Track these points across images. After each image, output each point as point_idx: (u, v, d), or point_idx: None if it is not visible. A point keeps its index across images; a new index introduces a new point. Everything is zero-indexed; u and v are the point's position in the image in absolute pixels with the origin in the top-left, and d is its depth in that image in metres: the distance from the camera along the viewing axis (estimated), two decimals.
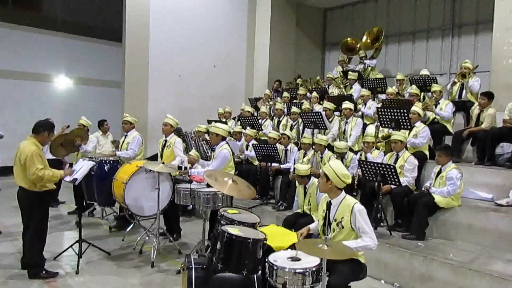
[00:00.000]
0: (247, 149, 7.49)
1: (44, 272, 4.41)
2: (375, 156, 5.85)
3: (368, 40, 10.67)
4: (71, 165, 5.12)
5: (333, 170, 3.27)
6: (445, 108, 6.63)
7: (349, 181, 3.36)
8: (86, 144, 6.69)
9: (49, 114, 8.69)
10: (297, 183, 5.43)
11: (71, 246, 4.90)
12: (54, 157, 6.62)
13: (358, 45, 10.84)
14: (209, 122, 9.08)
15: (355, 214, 3.23)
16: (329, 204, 3.40)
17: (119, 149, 6.53)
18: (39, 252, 4.42)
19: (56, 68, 12.79)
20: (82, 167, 4.75)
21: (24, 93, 12.00)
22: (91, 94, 13.34)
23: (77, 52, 13.05)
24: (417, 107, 6.27)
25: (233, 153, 5.54)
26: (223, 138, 5.14)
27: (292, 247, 3.21)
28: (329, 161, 6.06)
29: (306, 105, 8.14)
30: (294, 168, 6.35)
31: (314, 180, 4.99)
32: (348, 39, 11.26)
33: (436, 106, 6.71)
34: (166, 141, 6.07)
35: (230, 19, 11.58)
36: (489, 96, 6.23)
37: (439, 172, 5.13)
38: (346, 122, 7.10)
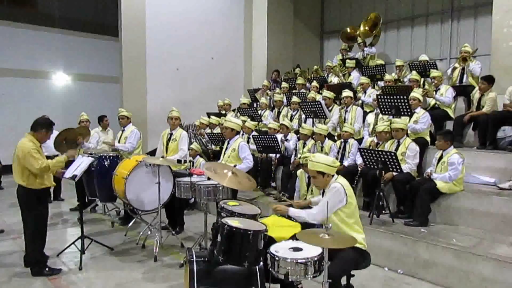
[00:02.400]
0: (248, 143, 7.45)
1: (47, 269, 4.41)
2: (390, 146, 5.63)
3: (366, 28, 10.57)
4: (72, 161, 5.11)
5: (323, 164, 3.26)
6: (446, 93, 6.56)
7: (338, 164, 3.38)
8: (88, 141, 6.68)
9: (48, 111, 8.67)
10: (298, 173, 5.42)
11: (73, 243, 4.90)
12: (52, 154, 6.60)
13: (357, 32, 10.75)
14: (209, 115, 9.06)
15: (329, 189, 3.26)
16: (323, 193, 3.45)
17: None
18: (40, 249, 4.42)
19: (53, 65, 12.75)
20: (81, 163, 4.73)
21: (22, 90, 11.97)
22: (90, 90, 13.30)
23: (75, 48, 12.99)
24: (416, 93, 6.22)
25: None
26: (237, 132, 5.38)
27: (294, 237, 3.19)
28: (330, 150, 6.09)
29: (312, 94, 8.10)
30: (294, 160, 6.39)
31: None
32: (348, 29, 11.16)
33: (436, 92, 6.65)
34: (171, 134, 6.04)
35: (227, 10, 11.48)
36: (489, 80, 6.18)
37: (441, 157, 5.09)
38: (346, 111, 7.06)
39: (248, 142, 7.43)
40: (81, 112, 7.48)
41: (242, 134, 7.72)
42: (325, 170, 3.26)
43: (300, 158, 5.44)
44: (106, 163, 5.69)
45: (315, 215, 3.28)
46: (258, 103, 9.46)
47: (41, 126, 4.35)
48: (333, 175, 3.34)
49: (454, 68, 7.19)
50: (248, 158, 5.36)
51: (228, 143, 5.49)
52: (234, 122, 5.47)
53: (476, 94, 6.38)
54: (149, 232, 5.44)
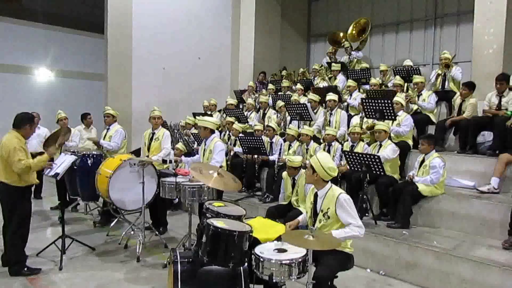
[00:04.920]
0: (235, 144, 7.45)
1: (26, 269, 4.32)
2: (361, 149, 5.85)
3: (354, 32, 10.71)
4: (52, 159, 5.02)
5: (319, 163, 3.27)
6: (428, 99, 6.70)
7: (335, 174, 3.36)
8: (69, 140, 6.58)
9: (30, 108, 8.47)
10: (283, 175, 5.44)
11: (53, 242, 4.80)
12: (34, 151, 6.47)
13: (342, 36, 10.88)
14: (195, 115, 9.01)
15: (340, 204, 3.24)
16: (315, 196, 3.42)
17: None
18: (21, 248, 4.33)
19: (36, 60, 12.51)
20: (64, 162, 4.65)
21: (4, 86, 11.72)
22: (74, 87, 13.10)
23: (59, 44, 12.78)
24: (399, 97, 6.34)
25: None
26: (212, 131, 5.12)
27: (279, 239, 3.20)
28: (315, 152, 6.14)
29: (295, 96, 8.13)
30: (279, 159, 6.42)
31: (302, 171, 5.03)
32: (340, 33, 11.27)
33: (418, 97, 6.78)
34: (153, 133, 5.99)
35: (215, 11, 11.45)
36: (470, 86, 6.32)
37: (423, 161, 5.19)
38: (331, 114, 7.11)
39: (235, 144, 7.44)
40: (64, 109, 7.35)
41: (229, 136, 7.72)
42: (317, 169, 3.27)
43: (285, 159, 5.47)
44: (89, 162, 5.62)
45: (359, 229, 3.21)
46: (244, 104, 9.46)
47: (24, 122, 4.27)
48: (326, 181, 3.34)
49: (438, 75, 7.32)
50: (215, 158, 4.92)
51: (205, 143, 5.18)
52: (208, 120, 5.12)
53: (457, 99, 6.52)
54: (132, 232, 5.38)
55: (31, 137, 4.73)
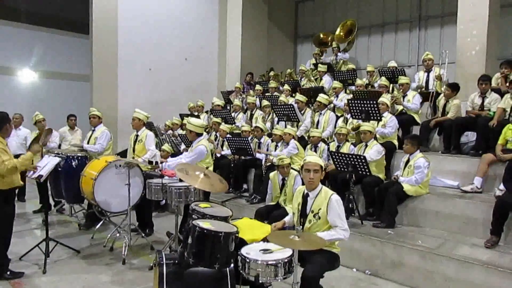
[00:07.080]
0: (222, 147, 7.43)
1: (8, 273, 4.23)
2: (347, 150, 5.91)
3: (342, 33, 10.80)
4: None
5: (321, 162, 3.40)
6: (413, 100, 6.79)
7: None
8: (50, 141, 6.48)
9: (13, 109, 8.35)
10: (270, 176, 5.45)
11: (37, 245, 4.71)
12: (13, 153, 6.38)
13: (329, 38, 10.97)
14: (181, 116, 8.97)
15: (331, 205, 3.27)
16: (306, 196, 3.43)
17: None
18: (3, 252, 4.24)
19: (20, 61, 12.30)
20: (47, 163, 4.57)
21: None
22: (58, 88, 12.92)
23: (43, 45, 12.59)
24: (384, 98, 6.41)
25: None
26: (199, 134, 5.09)
27: (266, 239, 3.20)
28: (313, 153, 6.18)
29: (282, 97, 8.15)
30: (266, 160, 6.44)
31: (292, 171, 5.05)
32: (321, 34, 11.36)
33: (404, 98, 6.86)
34: (137, 135, 5.94)
35: (201, 11, 11.42)
36: (454, 87, 6.42)
37: (408, 161, 5.25)
38: (320, 114, 7.14)
39: (223, 145, 7.43)
40: (48, 111, 7.26)
41: (216, 137, 7.71)
42: (322, 167, 3.37)
43: (275, 159, 5.48)
44: (73, 164, 5.55)
45: (345, 232, 3.26)
46: (231, 105, 9.45)
47: (3, 122, 4.18)
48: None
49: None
50: (188, 156, 4.97)
51: (192, 145, 5.14)
52: (192, 124, 5.07)
53: (441, 100, 6.62)
54: (117, 234, 5.32)
55: (10, 138, 4.65)
